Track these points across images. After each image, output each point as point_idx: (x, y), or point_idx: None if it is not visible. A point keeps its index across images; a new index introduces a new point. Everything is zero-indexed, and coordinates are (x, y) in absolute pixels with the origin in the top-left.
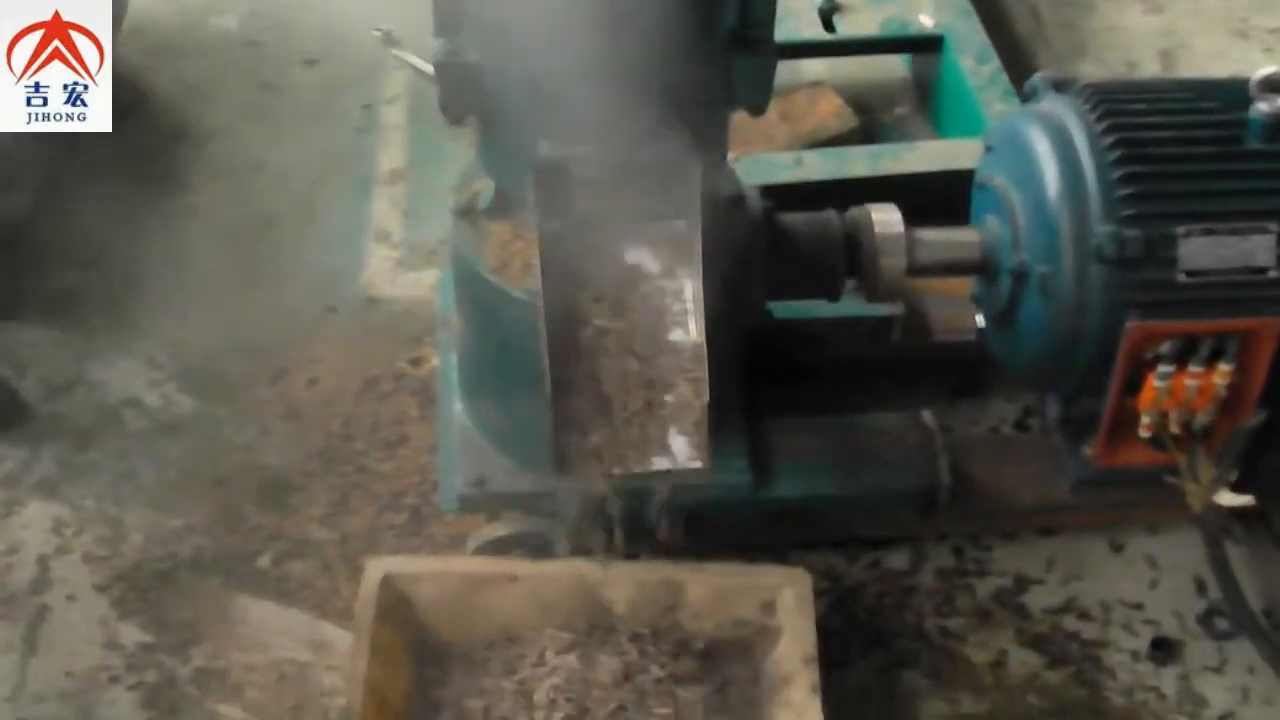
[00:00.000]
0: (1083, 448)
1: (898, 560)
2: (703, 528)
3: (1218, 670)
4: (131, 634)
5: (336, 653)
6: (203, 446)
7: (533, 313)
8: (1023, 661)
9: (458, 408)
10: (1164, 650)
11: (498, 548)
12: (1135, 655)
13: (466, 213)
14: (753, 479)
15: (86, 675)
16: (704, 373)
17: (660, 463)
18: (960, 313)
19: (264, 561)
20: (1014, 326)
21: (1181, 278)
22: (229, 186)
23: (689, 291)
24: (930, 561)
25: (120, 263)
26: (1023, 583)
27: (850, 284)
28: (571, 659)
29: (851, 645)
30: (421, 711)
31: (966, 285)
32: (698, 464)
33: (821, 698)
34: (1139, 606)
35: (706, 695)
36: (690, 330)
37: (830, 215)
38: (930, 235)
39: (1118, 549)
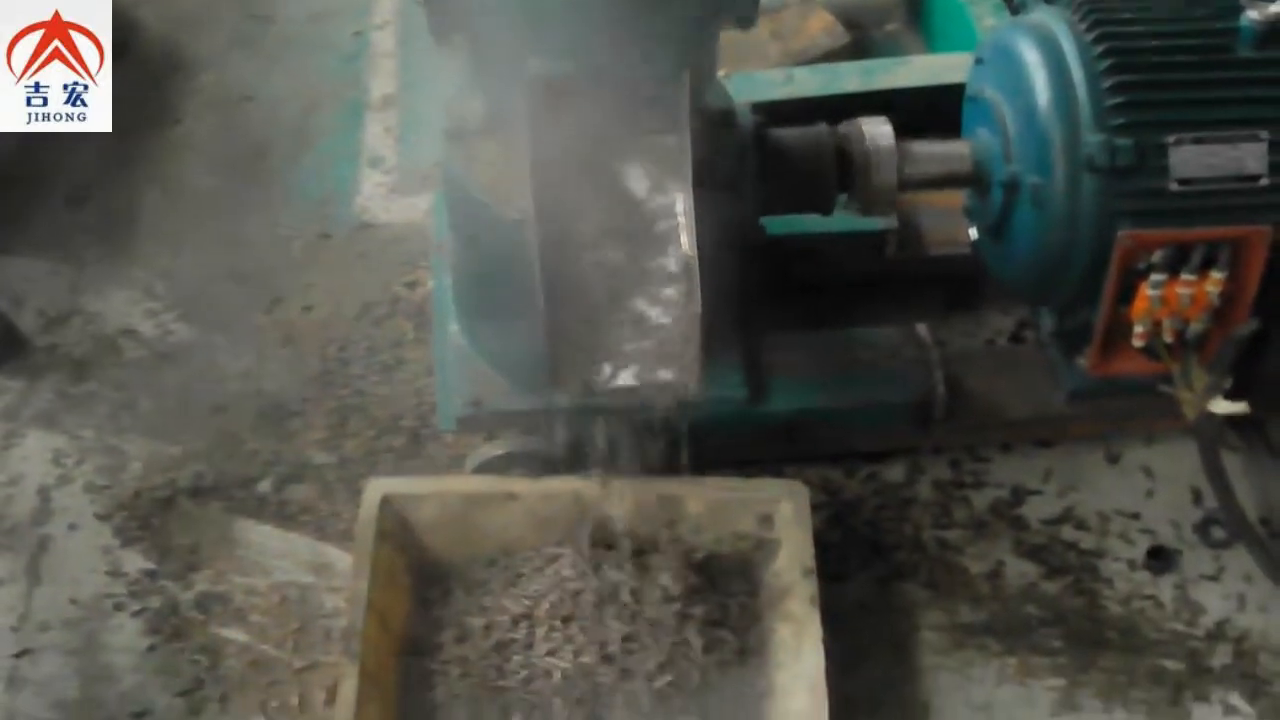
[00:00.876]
0: (1077, 359)
1: (895, 473)
2: (699, 444)
3: (1214, 578)
4: (134, 561)
5: (338, 575)
6: (200, 374)
7: (524, 232)
8: (1020, 572)
9: (453, 330)
10: (1161, 559)
11: (496, 466)
12: (1132, 564)
13: (457, 134)
14: (748, 394)
15: (90, 603)
16: (696, 286)
17: (654, 377)
18: (953, 226)
19: (264, 486)
20: (1006, 238)
21: (1173, 186)
22: (221, 117)
23: (680, 206)
24: (927, 474)
25: (114, 195)
26: (1019, 494)
27: (842, 198)
28: (572, 575)
29: (850, 558)
30: (423, 631)
31: (959, 199)
32: (691, 378)
33: (820, 609)
34: (1136, 516)
35: (706, 609)
36: (681, 244)
37: (822, 129)
38: (922, 148)
39: (1114, 460)
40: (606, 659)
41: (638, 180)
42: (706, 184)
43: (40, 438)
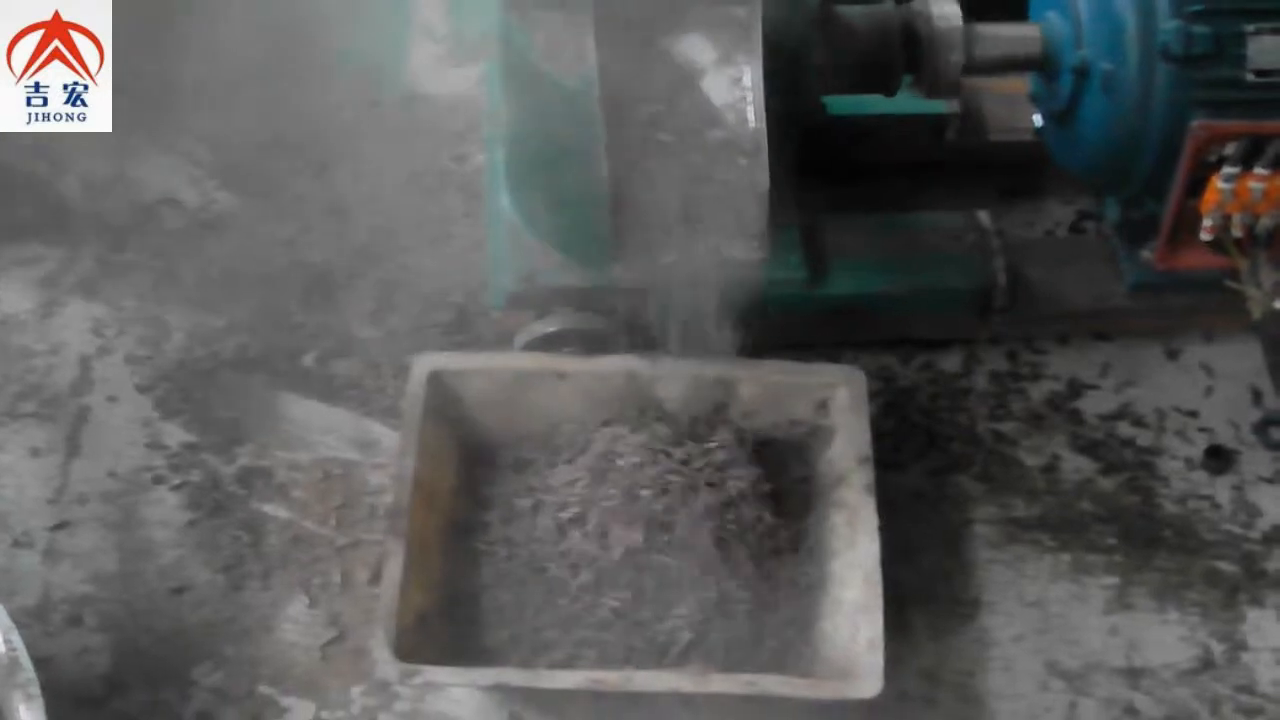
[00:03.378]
0: (1141, 251)
1: (951, 362)
2: (754, 325)
3: (1271, 481)
4: (175, 434)
5: (383, 451)
6: (244, 244)
7: (586, 103)
8: (1076, 467)
9: (505, 204)
10: (1218, 459)
11: (546, 344)
12: (1189, 463)
13: (516, 2)
14: (807, 275)
15: (130, 476)
16: (764, 160)
17: (719, 254)
18: (1015, 112)
19: (308, 360)
20: (1074, 126)
21: (1250, 77)
22: None
23: (748, 78)
24: (984, 364)
25: (158, 59)
26: (1077, 387)
27: (907, 79)
28: (622, 456)
29: (904, 447)
30: (469, 509)
31: (1022, 84)
32: (757, 254)
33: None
34: (1194, 414)
35: (759, 494)
36: (749, 117)
37: (888, 7)
38: (990, 30)
39: (1173, 355)
40: (655, 542)
41: (704, 51)
42: (772, 59)
43: (80, 307)
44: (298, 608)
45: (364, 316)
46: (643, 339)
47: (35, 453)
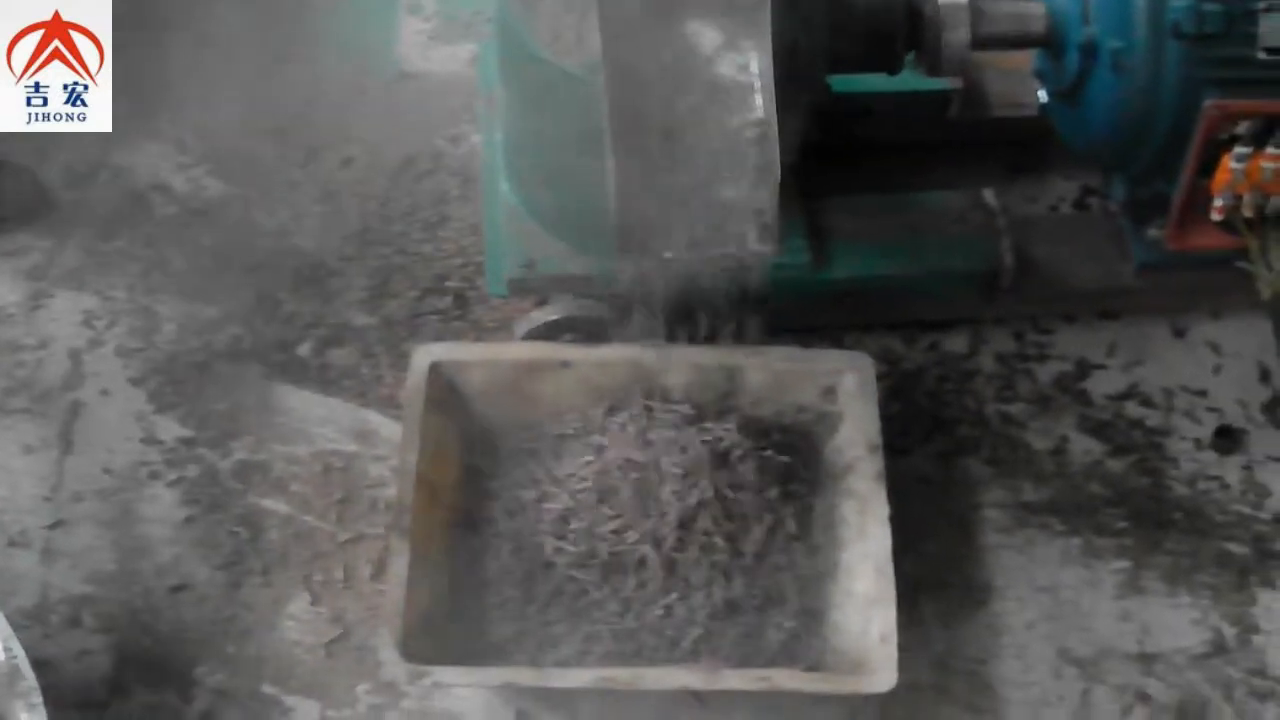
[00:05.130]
0: (1149, 230)
1: (956, 343)
2: (758, 311)
3: None
4: (169, 428)
5: (382, 442)
6: (235, 232)
7: (588, 90)
8: (1085, 449)
9: (504, 189)
10: (1227, 439)
11: (548, 333)
12: (1198, 443)
13: None
14: (811, 259)
15: (125, 472)
16: (773, 151)
17: (727, 245)
18: (1018, 87)
19: (303, 350)
20: (1081, 104)
21: (1261, 55)
22: None
23: (755, 66)
24: (990, 345)
25: (143, 44)
26: (1084, 368)
27: (910, 57)
28: (627, 446)
29: (911, 431)
30: (473, 504)
31: (1025, 59)
32: (766, 247)
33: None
34: (1202, 394)
35: (766, 483)
36: (757, 104)
37: None
38: (995, 6)
39: (1180, 334)
40: (662, 533)
41: (710, 36)
42: (777, 41)
43: (69, 298)
44: (300, 605)
45: (359, 304)
46: (647, 327)
47: (28, 450)
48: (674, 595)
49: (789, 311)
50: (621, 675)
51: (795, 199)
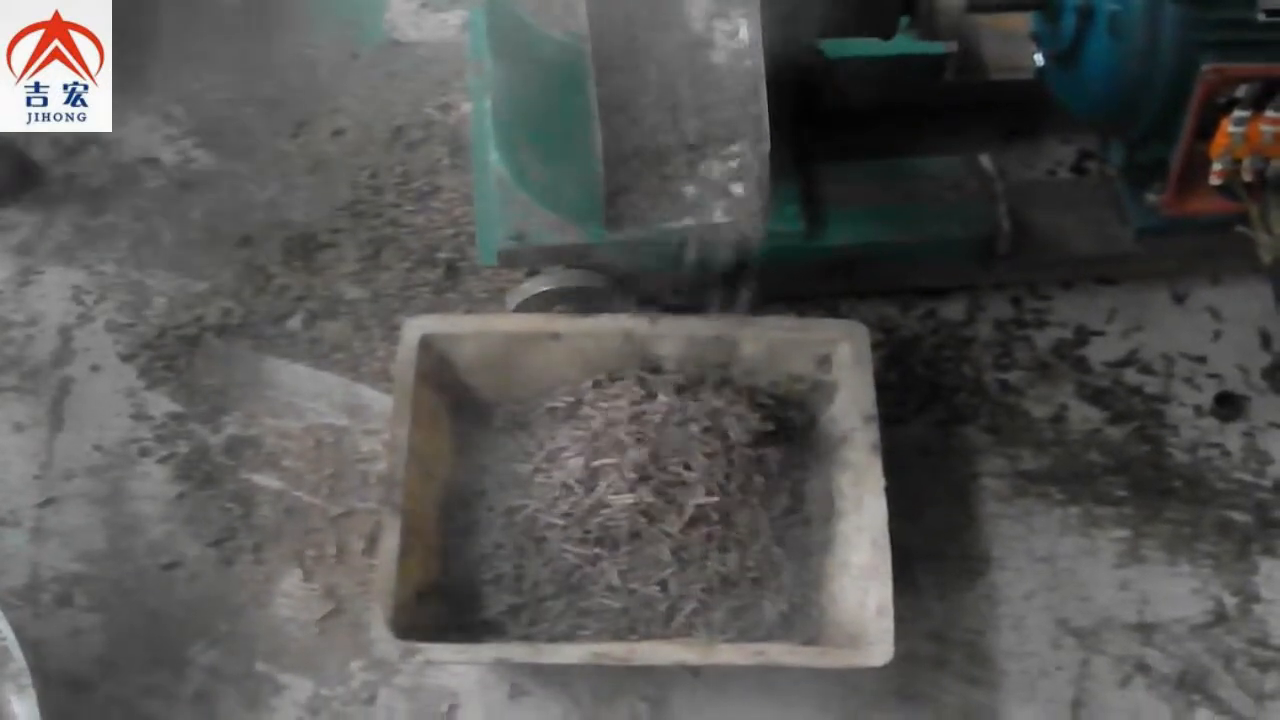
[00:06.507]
0: (1147, 194)
1: (953, 310)
2: (753, 279)
3: None
4: (160, 404)
5: (374, 416)
6: (224, 204)
7: (576, 57)
8: (1084, 416)
9: (494, 159)
10: (1228, 406)
11: (540, 304)
12: (1199, 410)
13: None
14: (805, 227)
15: (116, 449)
16: (764, 118)
17: (718, 214)
18: (1014, 50)
19: (294, 323)
20: (1078, 68)
21: (1260, 17)
22: None
23: (745, 33)
24: (987, 312)
25: (129, 15)
26: (1083, 334)
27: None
28: (620, 417)
29: (908, 400)
30: (465, 477)
31: (1022, 21)
32: (758, 215)
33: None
34: (1202, 360)
35: (760, 453)
36: (747, 72)
37: None
38: None
39: (1179, 299)
40: (656, 507)
41: (700, 3)
42: (768, 8)
43: (59, 274)
44: (292, 581)
45: (350, 277)
46: (638, 297)
47: (18, 428)
48: (669, 569)
49: (783, 280)
50: (616, 650)
51: (788, 166)
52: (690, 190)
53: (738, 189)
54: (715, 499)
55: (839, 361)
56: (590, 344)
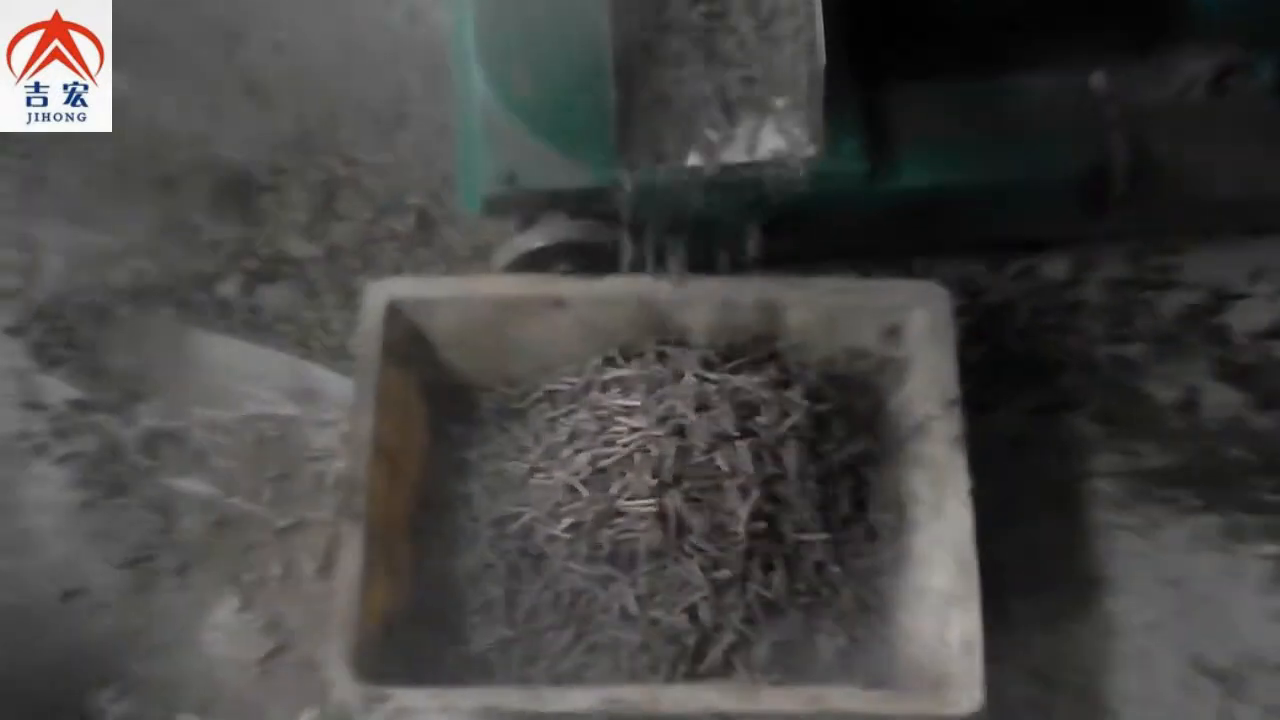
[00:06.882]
0: None
1: (1056, 269)
2: (803, 231)
3: None
4: (57, 389)
5: (329, 403)
6: (139, 139)
7: None
8: (1221, 401)
9: (478, 79)
10: None
11: (535, 262)
12: None
13: None
14: (868, 166)
15: (3, 446)
16: (819, 29)
17: (763, 149)
18: None
19: (227, 287)
20: None
21: None
22: None
23: None
24: (1099, 270)
25: None
26: (1221, 297)
27: None
28: (636, 405)
29: (998, 381)
30: (445, 479)
31: None
32: (810, 149)
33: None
34: None
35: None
36: None
37: None
38: None
39: None
40: (680, 516)
41: None
42: None
43: None
44: (226, 611)
45: (297, 229)
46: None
47: None
48: (699, 594)
49: (842, 233)
50: (633, 696)
51: (849, 88)
52: (728, 122)
53: (786, 115)
54: (755, 508)
55: (912, 333)
56: (599, 313)
